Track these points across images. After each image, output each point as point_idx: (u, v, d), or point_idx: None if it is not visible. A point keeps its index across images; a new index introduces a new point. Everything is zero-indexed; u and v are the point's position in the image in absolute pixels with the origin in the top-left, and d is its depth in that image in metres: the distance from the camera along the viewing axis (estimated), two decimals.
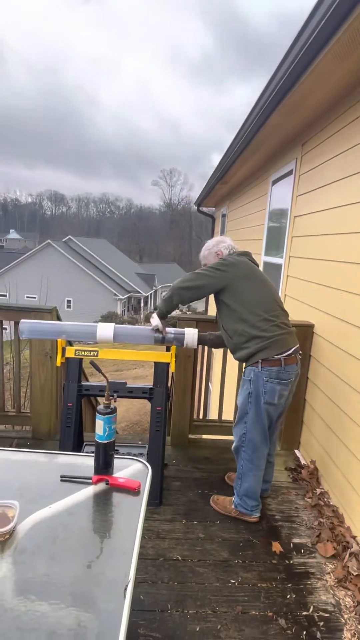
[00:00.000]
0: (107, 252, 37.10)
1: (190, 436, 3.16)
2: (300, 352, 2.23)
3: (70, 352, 2.40)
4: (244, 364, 2.20)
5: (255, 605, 1.78)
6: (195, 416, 3.17)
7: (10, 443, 3.00)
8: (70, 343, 2.59)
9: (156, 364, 2.52)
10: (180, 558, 2.02)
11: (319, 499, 2.51)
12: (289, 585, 1.90)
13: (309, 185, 3.25)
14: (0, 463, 1.44)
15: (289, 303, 3.60)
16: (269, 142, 3.87)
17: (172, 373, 2.86)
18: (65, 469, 1.36)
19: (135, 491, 1.26)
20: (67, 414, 2.49)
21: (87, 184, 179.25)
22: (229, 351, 2.45)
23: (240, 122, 3.82)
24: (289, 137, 3.71)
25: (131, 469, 1.40)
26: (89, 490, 1.27)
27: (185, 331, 2.43)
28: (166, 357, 2.47)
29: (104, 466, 1.32)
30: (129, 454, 2.11)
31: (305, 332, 2.91)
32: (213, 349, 2.98)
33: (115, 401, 1.35)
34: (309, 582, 1.92)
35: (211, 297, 2.32)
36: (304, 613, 1.76)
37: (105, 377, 1.49)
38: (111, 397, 1.34)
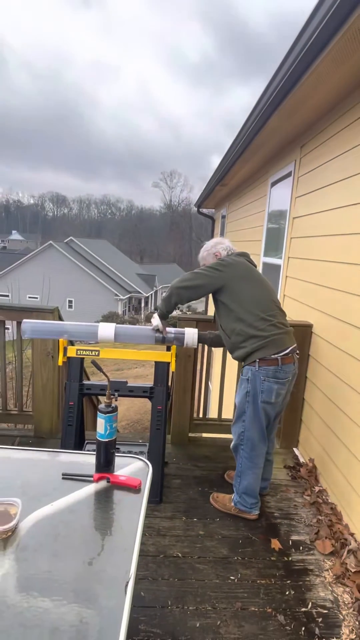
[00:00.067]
0: (108, 253, 37.24)
1: (190, 434, 3.18)
2: (298, 352, 2.24)
3: (71, 352, 2.42)
4: (242, 364, 2.22)
5: (255, 601, 1.80)
6: (195, 415, 3.19)
7: (13, 441, 3.02)
8: (71, 343, 2.61)
9: (157, 363, 2.54)
10: (180, 555, 2.04)
11: (318, 496, 2.52)
12: (288, 581, 1.92)
13: (308, 187, 3.26)
14: (2, 461, 1.44)
15: (288, 303, 3.61)
16: (268, 144, 3.88)
17: (173, 372, 2.88)
18: (66, 467, 1.38)
19: (136, 489, 1.27)
20: (68, 412, 2.50)
21: (88, 185, 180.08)
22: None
23: (239, 124, 3.83)
24: (287, 139, 3.72)
25: (132, 467, 1.41)
26: (90, 488, 1.28)
27: (185, 331, 2.44)
28: (166, 356, 2.48)
29: (105, 464, 1.33)
30: (129, 452, 2.11)
31: (304, 332, 2.93)
32: (213, 349, 3.00)
33: (116, 400, 1.35)
34: (307, 579, 1.94)
35: (210, 297, 2.34)
36: (303, 609, 1.77)
37: (106, 376, 1.50)
38: (112, 396, 1.35)
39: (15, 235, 76.81)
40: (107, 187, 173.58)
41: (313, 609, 1.78)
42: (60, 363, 2.44)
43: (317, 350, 2.86)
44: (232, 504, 2.35)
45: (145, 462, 1.44)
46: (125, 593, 0.89)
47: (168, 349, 2.54)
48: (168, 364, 2.50)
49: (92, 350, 2.42)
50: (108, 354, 2.48)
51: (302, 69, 2.26)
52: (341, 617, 1.75)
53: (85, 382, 2.58)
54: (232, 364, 2.83)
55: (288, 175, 3.83)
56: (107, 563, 1.02)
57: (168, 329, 2.41)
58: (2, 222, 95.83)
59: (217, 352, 3.13)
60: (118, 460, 1.38)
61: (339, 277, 2.58)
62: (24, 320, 2.44)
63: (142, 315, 32.43)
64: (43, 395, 3.03)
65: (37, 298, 18.18)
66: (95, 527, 1.16)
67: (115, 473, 1.34)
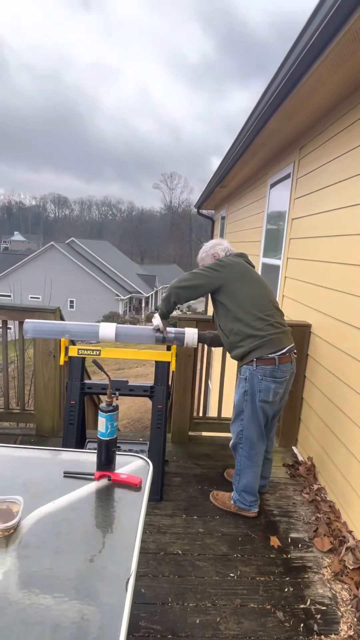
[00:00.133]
0: (109, 253, 37.37)
1: (190, 433, 3.20)
2: (295, 351, 2.25)
3: (73, 351, 2.43)
4: (240, 363, 2.24)
5: (254, 598, 1.81)
6: (195, 414, 3.21)
7: (15, 440, 3.04)
8: (73, 342, 2.63)
9: (157, 362, 2.55)
10: (180, 552, 2.05)
11: (316, 494, 2.54)
12: (287, 578, 1.94)
13: (307, 188, 3.27)
14: (4, 459, 1.46)
15: (287, 303, 3.62)
16: (267, 146, 3.88)
17: (173, 372, 2.89)
18: (68, 466, 1.39)
19: (136, 487, 1.28)
20: (70, 411, 2.52)
21: (89, 187, 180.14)
22: None
23: (239, 126, 3.84)
24: (287, 141, 3.73)
25: (133, 465, 1.42)
26: (91, 486, 1.29)
27: (185, 331, 2.45)
28: (167, 356, 2.50)
29: (106, 462, 1.34)
30: (130, 450, 2.12)
31: (303, 331, 2.94)
32: (212, 348, 3.01)
33: (117, 399, 1.36)
34: (306, 576, 1.96)
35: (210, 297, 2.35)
36: (302, 606, 1.79)
37: (107, 375, 1.52)
38: (113, 395, 1.36)
39: (17, 236, 77.17)
40: (107, 189, 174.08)
41: (312, 605, 1.80)
42: (61, 362, 2.45)
43: (315, 350, 2.88)
44: (232, 501, 2.37)
45: (146, 461, 1.45)
46: (126, 590, 0.90)
47: (168, 348, 2.55)
48: (168, 363, 2.52)
49: (93, 350, 2.43)
50: (109, 353, 2.49)
51: (302, 70, 2.26)
52: (339, 613, 1.76)
53: (87, 381, 2.59)
54: (232, 364, 2.84)
55: (287, 176, 3.84)
56: (108, 560, 1.03)
57: (168, 328, 2.42)
58: (4, 223, 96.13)
59: (217, 351, 3.15)
60: (119, 458, 1.39)
61: (337, 277, 2.59)
62: (26, 320, 2.45)
63: (143, 315, 32.52)
64: (45, 395, 3.05)
65: (38, 298, 18.21)
66: (96, 525, 1.17)
67: (116, 471, 1.35)
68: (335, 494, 2.44)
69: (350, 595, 1.85)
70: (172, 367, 2.51)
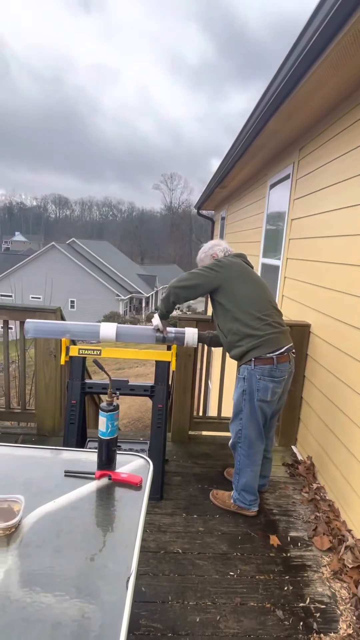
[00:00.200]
0: (109, 254, 37.49)
1: (190, 432, 3.20)
2: (294, 351, 2.26)
3: (74, 351, 2.44)
4: (239, 362, 2.24)
5: (254, 596, 1.82)
6: (195, 413, 3.22)
7: (16, 439, 3.05)
8: (74, 342, 2.63)
9: (157, 362, 2.56)
10: (180, 551, 2.06)
11: (316, 493, 2.55)
12: (286, 577, 1.94)
13: (306, 189, 3.28)
14: (6, 459, 1.46)
15: (287, 303, 3.63)
16: (266, 147, 3.89)
17: (173, 371, 2.90)
18: (69, 465, 1.40)
19: (137, 486, 1.29)
20: (70, 411, 2.53)
21: (90, 187, 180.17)
22: None
23: (238, 127, 3.85)
24: (286, 142, 3.73)
25: (133, 464, 1.43)
26: (92, 485, 1.30)
27: (185, 330, 2.46)
28: (167, 355, 2.50)
29: (106, 462, 1.35)
30: (130, 449, 2.12)
31: (302, 331, 2.95)
32: (212, 348, 3.02)
33: (117, 399, 1.37)
34: (305, 575, 1.97)
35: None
36: (301, 604, 1.80)
37: (108, 375, 1.52)
38: (114, 395, 1.36)
39: (18, 237, 77.43)
40: (108, 189, 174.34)
41: (311, 604, 1.80)
42: (62, 362, 2.46)
43: (315, 350, 2.88)
44: (232, 500, 2.38)
45: (146, 460, 1.45)
46: (127, 588, 0.90)
47: (168, 348, 2.56)
48: (168, 363, 2.53)
49: (94, 350, 2.44)
50: (110, 353, 2.50)
51: (302, 71, 2.26)
52: (339, 612, 1.77)
53: (87, 380, 2.60)
54: (232, 363, 2.84)
55: (286, 177, 3.85)
56: (108, 559, 1.03)
57: (168, 328, 2.43)
58: (5, 224, 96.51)
59: (217, 351, 3.16)
60: (119, 457, 1.40)
61: (336, 277, 2.59)
62: (27, 320, 2.46)
63: (143, 315, 32.61)
64: (46, 394, 3.05)
65: (39, 298, 18.26)
66: (97, 524, 1.17)
67: (117, 470, 1.36)
68: (335, 493, 2.45)
69: (349, 594, 1.86)
70: (173, 366, 2.52)
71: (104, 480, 1.32)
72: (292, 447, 3.18)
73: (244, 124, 3.59)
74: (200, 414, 3.41)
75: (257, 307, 2.18)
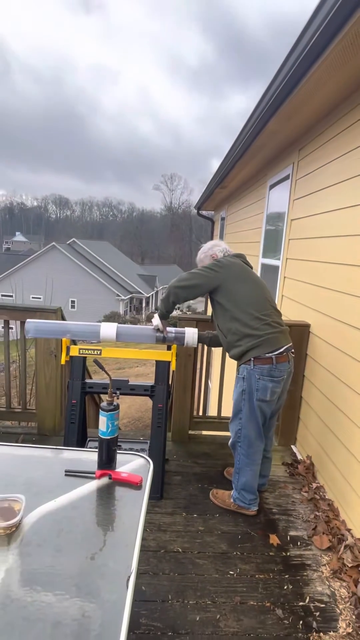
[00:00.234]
0: (110, 254, 37.61)
1: (190, 432, 3.21)
2: (293, 351, 2.27)
3: (74, 351, 2.45)
4: (238, 362, 2.25)
5: (253, 595, 1.83)
6: (195, 413, 3.22)
7: (17, 439, 3.06)
8: (74, 342, 2.63)
9: (157, 362, 2.56)
10: (180, 550, 2.07)
11: (315, 493, 2.55)
12: (286, 576, 1.95)
13: (306, 190, 3.28)
14: (6, 458, 1.47)
15: (286, 303, 3.64)
16: (266, 147, 3.90)
17: (173, 371, 2.90)
18: (69, 464, 1.40)
19: (137, 485, 1.30)
20: (71, 410, 2.53)
21: (90, 188, 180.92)
22: None
23: (238, 128, 3.85)
24: (286, 143, 3.74)
25: (133, 463, 1.43)
26: (92, 485, 1.30)
27: (185, 330, 2.47)
28: (167, 355, 2.51)
29: (107, 461, 1.35)
30: (131, 449, 2.13)
31: (302, 331, 2.96)
32: (212, 348, 3.03)
33: (117, 398, 1.37)
34: (305, 574, 1.97)
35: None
36: (301, 603, 1.80)
37: (108, 375, 1.53)
38: (114, 395, 1.36)
39: (19, 237, 77.84)
40: (108, 190, 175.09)
41: (311, 603, 1.81)
42: (63, 362, 2.47)
43: (314, 350, 2.89)
44: (231, 500, 2.39)
45: (146, 459, 1.46)
46: (127, 587, 0.91)
47: (169, 348, 2.57)
48: (169, 363, 2.53)
49: (94, 350, 2.44)
50: (110, 353, 2.50)
51: (302, 71, 2.27)
52: (338, 611, 1.78)
53: (88, 380, 2.60)
54: (231, 363, 2.85)
55: (286, 178, 3.86)
56: (109, 558, 1.04)
57: (168, 328, 2.44)
58: (6, 224, 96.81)
59: (217, 351, 3.16)
60: (120, 457, 1.40)
61: (336, 277, 2.60)
62: (28, 320, 2.47)
63: (143, 315, 32.70)
64: (46, 394, 3.06)
65: (40, 298, 18.26)
66: (97, 523, 1.18)
67: (117, 470, 1.36)
68: (334, 493, 2.45)
69: (348, 593, 1.87)
70: (173, 366, 2.53)
71: (105, 480, 1.33)
72: (292, 446, 3.18)
73: (244, 124, 3.59)
74: (200, 413, 3.42)
75: (256, 307, 2.18)
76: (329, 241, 2.75)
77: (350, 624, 1.72)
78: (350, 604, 1.81)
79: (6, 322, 2.96)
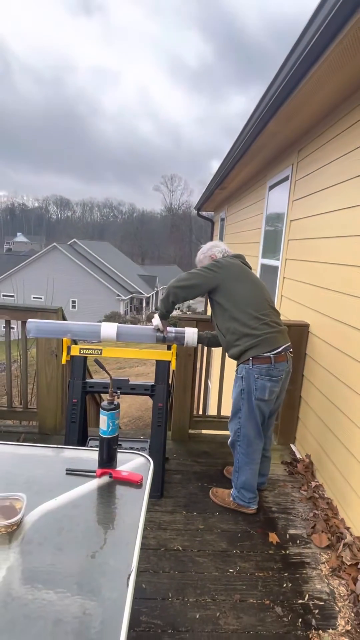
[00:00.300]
0: (110, 254, 37.70)
1: (190, 431, 3.22)
2: (291, 350, 2.27)
3: (75, 351, 2.46)
4: (237, 362, 2.26)
5: (253, 593, 1.84)
6: (195, 412, 3.23)
7: (18, 438, 3.07)
8: (75, 342, 2.64)
9: (158, 362, 2.57)
10: (180, 548, 2.08)
11: (314, 491, 2.56)
12: (285, 574, 1.96)
13: (305, 190, 3.29)
14: (8, 457, 1.47)
15: (285, 304, 3.65)
16: (266, 148, 3.90)
17: (173, 371, 2.91)
18: (70, 463, 1.40)
19: (137, 484, 1.30)
20: (72, 409, 2.54)
21: (91, 188, 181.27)
22: None
23: (237, 129, 3.86)
24: (285, 144, 3.74)
25: (134, 462, 1.44)
26: (93, 483, 1.31)
27: (185, 330, 2.48)
28: (167, 355, 2.52)
29: (107, 460, 1.36)
30: (131, 448, 2.14)
31: (301, 331, 2.97)
32: (212, 348, 3.04)
33: (118, 397, 1.38)
34: (304, 572, 1.98)
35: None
36: (300, 601, 1.81)
37: (108, 374, 1.54)
38: (114, 394, 1.37)
39: (20, 238, 78.11)
40: (109, 191, 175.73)
41: (310, 600, 1.82)
42: (63, 361, 2.48)
43: (313, 349, 2.90)
44: (231, 498, 2.40)
45: (147, 458, 1.46)
46: (127, 585, 0.91)
47: (169, 348, 2.58)
48: (169, 362, 2.54)
49: (95, 349, 2.45)
50: (110, 352, 2.51)
51: (302, 72, 2.27)
52: (337, 608, 1.79)
53: (88, 380, 2.61)
54: (231, 363, 2.85)
55: (286, 179, 3.86)
56: (109, 556, 1.04)
57: (168, 328, 2.45)
58: (7, 225, 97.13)
59: (217, 351, 3.17)
60: (120, 456, 1.41)
61: (335, 278, 2.61)
62: (29, 319, 2.48)
63: (144, 315, 32.77)
64: (47, 393, 3.07)
65: (41, 298, 18.31)
66: (98, 521, 1.19)
67: (118, 469, 1.37)
68: (333, 491, 2.47)
69: (347, 591, 1.88)
70: (173, 366, 2.54)
71: (105, 479, 1.33)
72: (291, 445, 3.19)
73: (244, 125, 3.59)
74: (200, 412, 3.43)
75: (254, 307, 2.19)
76: (328, 242, 2.76)
77: (349, 621, 1.73)
78: (349, 602, 1.82)
79: (7, 322, 2.97)
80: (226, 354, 2.38)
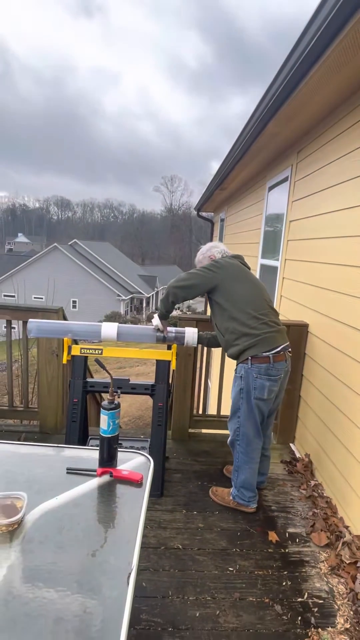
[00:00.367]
0: (110, 255, 37.77)
1: (190, 430, 3.23)
2: (290, 350, 2.28)
3: (75, 350, 2.46)
4: (236, 361, 2.27)
5: (252, 592, 1.85)
6: (195, 411, 3.24)
7: (19, 437, 3.07)
8: (75, 342, 2.65)
9: (158, 361, 2.58)
10: (180, 547, 2.09)
11: (313, 490, 2.57)
12: (285, 572, 1.97)
13: (304, 191, 3.29)
14: (9, 456, 1.48)
15: (285, 304, 3.65)
16: (265, 149, 3.90)
17: (173, 370, 2.92)
18: (71, 462, 1.41)
19: (137, 483, 1.31)
20: (72, 409, 2.55)
21: (91, 189, 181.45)
22: None
23: (237, 130, 3.86)
24: (285, 145, 3.74)
25: (134, 461, 1.44)
26: (93, 482, 1.31)
27: (185, 330, 2.49)
28: (167, 355, 2.53)
29: (108, 459, 1.36)
30: (131, 447, 2.15)
31: (300, 331, 2.97)
32: (212, 348, 3.05)
33: (118, 397, 1.38)
34: (303, 570, 1.99)
35: None
36: (299, 599, 1.82)
37: (109, 374, 1.55)
38: (115, 393, 1.38)
39: (21, 238, 78.25)
40: (109, 191, 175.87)
41: (309, 599, 1.83)
42: (64, 361, 2.49)
43: (312, 349, 2.91)
44: (231, 497, 2.41)
45: (147, 457, 1.47)
46: (128, 584, 0.92)
47: (169, 347, 2.59)
48: (169, 362, 2.55)
49: (95, 349, 2.46)
50: (111, 352, 2.52)
51: (301, 73, 2.27)
52: (336, 607, 1.80)
53: (89, 379, 2.62)
54: (231, 362, 2.86)
55: (285, 179, 3.87)
56: (110, 555, 1.05)
57: (169, 328, 2.46)
58: (8, 225, 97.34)
59: (216, 350, 3.18)
60: (120, 455, 1.41)
61: (334, 278, 2.61)
62: (30, 319, 2.49)
63: (144, 315, 32.83)
64: (48, 393, 3.08)
65: (42, 299, 18.33)
66: (98, 520, 1.19)
67: (118, 468, 1.37)
68: (332, 490, 2.47)
69: (346, 589, 1.89)
70: (173, 365, 2.54)
71: (106, 478, 1.34)
72: (291, 444, 3.20)
73: (244, 126, 3.60)
74: (200, 412, 3.44)
75: (253, 307, 2.20)
76: (327, 242, 2.77)
77: (348, 619, 1.73)
78: (348, 600, 1.83)
79: (9, 322, 2.98)
80: (225, 353, 2.39)
